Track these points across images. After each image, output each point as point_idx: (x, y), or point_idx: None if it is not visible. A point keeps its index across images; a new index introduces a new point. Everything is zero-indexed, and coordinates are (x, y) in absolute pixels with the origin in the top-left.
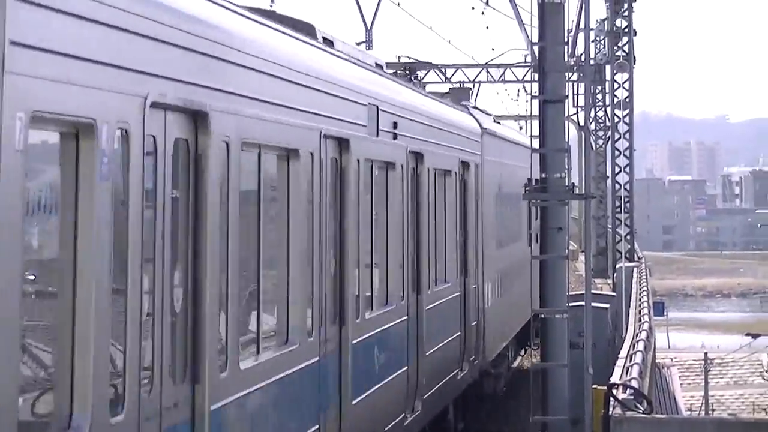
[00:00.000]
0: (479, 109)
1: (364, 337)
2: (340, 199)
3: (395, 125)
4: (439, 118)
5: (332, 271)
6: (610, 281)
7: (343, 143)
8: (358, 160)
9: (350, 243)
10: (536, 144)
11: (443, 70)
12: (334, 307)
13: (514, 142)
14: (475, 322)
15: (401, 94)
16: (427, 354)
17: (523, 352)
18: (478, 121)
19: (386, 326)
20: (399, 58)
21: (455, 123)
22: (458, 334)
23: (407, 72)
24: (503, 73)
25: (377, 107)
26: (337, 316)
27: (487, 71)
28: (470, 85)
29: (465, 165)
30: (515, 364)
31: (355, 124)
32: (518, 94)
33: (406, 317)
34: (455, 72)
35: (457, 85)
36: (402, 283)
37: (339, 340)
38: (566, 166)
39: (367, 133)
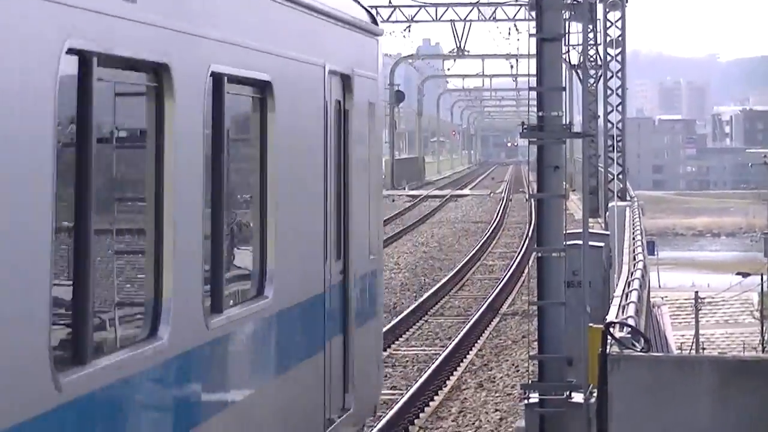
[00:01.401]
0: None
1: None
2: None
3: None
4: None
5: None
6: (601, 220)
7: None
8: None
9: None
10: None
11: (434, 8)
12: None
13: None
14: None
15: None
16: None
17: None
18: None
19: None
20: None
21: None
22: None
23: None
24: (494, 11)
25: None
26: None
27: (478, 9)
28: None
29: None
30: None
31: None
32: (509, 33)
33: None
34: (446, 10)
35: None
36: None
37: None
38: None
39: None
